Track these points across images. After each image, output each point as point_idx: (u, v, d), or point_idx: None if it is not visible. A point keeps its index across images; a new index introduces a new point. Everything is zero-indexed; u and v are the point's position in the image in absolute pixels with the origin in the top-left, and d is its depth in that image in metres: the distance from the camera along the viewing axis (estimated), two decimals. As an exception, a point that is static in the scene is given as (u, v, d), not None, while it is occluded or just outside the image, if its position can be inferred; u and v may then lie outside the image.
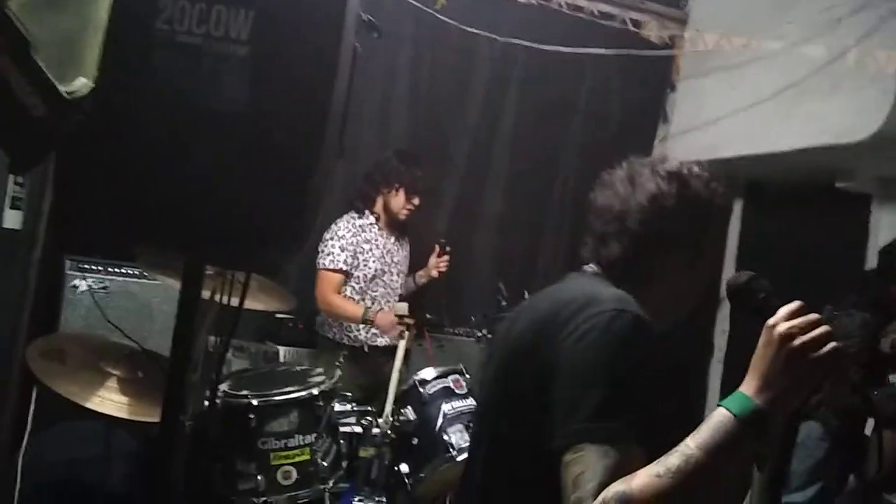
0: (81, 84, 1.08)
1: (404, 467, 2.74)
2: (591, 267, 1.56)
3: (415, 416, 2.81)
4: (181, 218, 1.45)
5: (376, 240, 3.79)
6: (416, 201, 3.82)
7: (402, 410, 2.80)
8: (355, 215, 3.81)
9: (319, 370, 2.96)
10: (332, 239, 3.72)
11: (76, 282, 3.47)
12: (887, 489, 3.28)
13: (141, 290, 3.57)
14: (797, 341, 1.14)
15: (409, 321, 2.93)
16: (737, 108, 4.39)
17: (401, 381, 2.83)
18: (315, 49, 1.45)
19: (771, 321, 1.17)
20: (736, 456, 1.15)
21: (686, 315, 1.58)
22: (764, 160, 4.22)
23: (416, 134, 4.55)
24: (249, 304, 2.82)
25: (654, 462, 1.16)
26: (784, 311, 1.18)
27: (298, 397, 2.72)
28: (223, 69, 1.43)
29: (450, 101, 4.65)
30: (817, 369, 1.14)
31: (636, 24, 4.95)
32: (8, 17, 0.95)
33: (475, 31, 4.45)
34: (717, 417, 1.16)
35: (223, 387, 2.77)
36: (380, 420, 2.70)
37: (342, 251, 3.69)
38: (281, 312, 3.74)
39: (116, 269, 3.56)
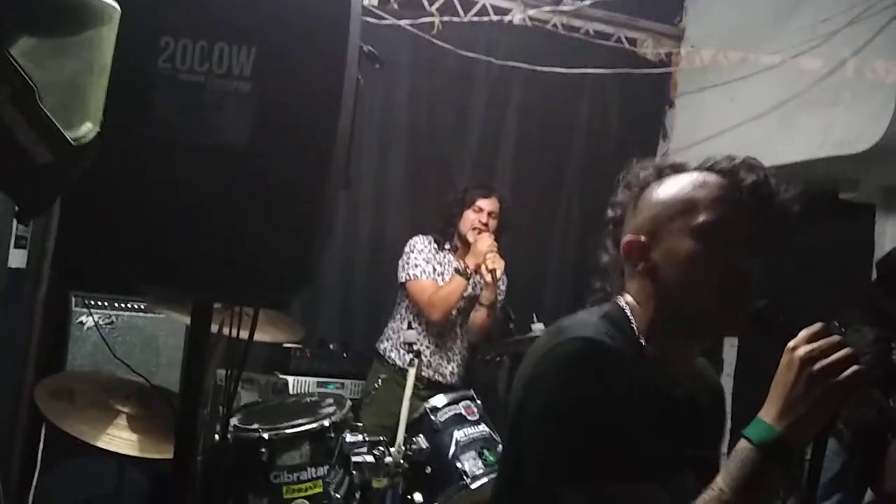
0: (87, 129, 1.07)
1: (418, 497, 2.71)
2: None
3: (427, 445, 2.78)
4: (189, 256, 1.45)
5: (450, 264, 3.71)
6: (483, 218, 3.68)
7: (414, 439, 2.78)
8: (432, 238, 3.77)
9: (330, 400, 2.94)
10: (412, 252, 3.68)
11: (82, 318, 3.47)
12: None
13: (147, 324, 3.57)
14: (818, 365, 1.11)
15: (417, 349, 2.91)
16: (736, 122, 4.39)
17: (412, 410, 2.81)
18: (318, 83, 1.45)
19: (791, 344, 1.15)
20: (767, 484, 1.12)
21: (725, 301, 1.29)
22: (766, 173, 4.21)
23: (417, 161, 4.56)
24: (257, 335, 2.82)
25: None
26: (804, 333, 1.15)
27: (310, 429, 2.70)
28: (226, 106, 1.43)
29: (449, 126, 4.65)
30: (839, 393, 1.11)
31: (632, 42, 4.98)
32: (12, 64, 0.95)
33: (472, 55, 4.48)
34: (742, 451, 1.13)
35: (233, 421, 2.75)
36: (392, 449, 2.67)
37: (427, 263, 3.66)
38: (289, 342, 3.71)
39: (122, 304, 3.55)
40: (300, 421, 2.73)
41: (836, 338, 1.14)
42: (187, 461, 1.61)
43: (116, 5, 1.15)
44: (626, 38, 4.94)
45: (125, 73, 1.35)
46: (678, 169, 1.39)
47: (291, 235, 1.43)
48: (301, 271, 1.48)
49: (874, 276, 3.68)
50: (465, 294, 3.66)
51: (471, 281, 3.63)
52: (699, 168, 1.37)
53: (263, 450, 2.62)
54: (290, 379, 3.80)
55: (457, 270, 3.58)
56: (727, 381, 4.88)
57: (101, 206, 1.44)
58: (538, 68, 4.47)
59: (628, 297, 1.38)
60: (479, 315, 3.72)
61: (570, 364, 1.23)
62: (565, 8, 4.70)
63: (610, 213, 1.44)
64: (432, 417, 2.86)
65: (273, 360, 3.96)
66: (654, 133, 5.04)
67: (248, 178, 1.42)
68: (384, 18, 4.28)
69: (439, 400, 2.93)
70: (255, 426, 2.71)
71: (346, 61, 1.47)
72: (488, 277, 3.57)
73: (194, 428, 1.62)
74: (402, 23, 4.32)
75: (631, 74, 4.72)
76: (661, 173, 1.40)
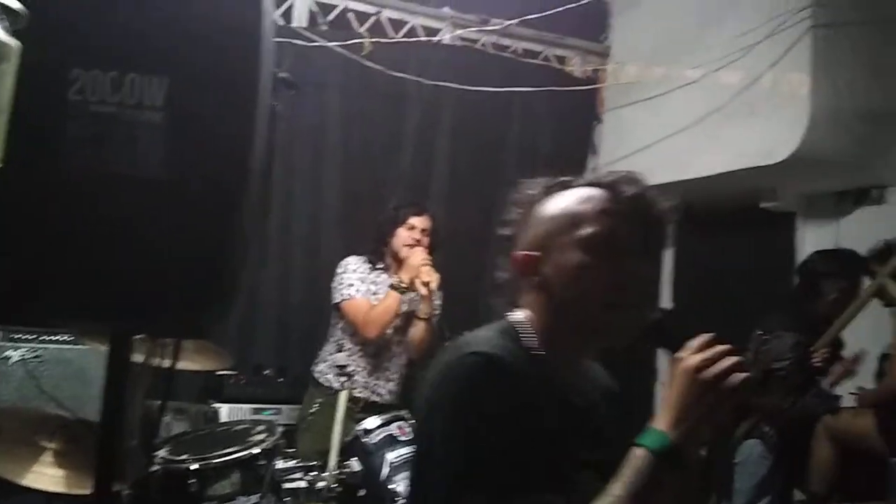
0: (-15, 167, 1.06)
1: (352, 520, 2.71)
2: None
3: (360, 467, 2.77)
4: (104, 289, 1.43)
5: (384, 283, 3.68)
6: (416, 235, 3.67)
7: (346, 462, 2.77)
8: (365, 258, 3.74)
9: (261, 428, 2.91)
10: (345, 273, 3.66)
11: (8, 352, 3.39)
12: (828, 500, 3.35)
13: (76, 356, 3.49)
14: (706, 373, 1.16)
15: (349, 372, 2.90)
16: (661, 136, 4.51)
17: (346, 433, 2.80)
18: (230, 111, 1.45)
19: (680, 354, 1.20)
20: (662, 490, 1.16)
21: (614, 310, 1.31)
22: (691, 185, 4.32)
23: (350, 183, 4.57)
24: (186, 365, 2.78)
25: None
26: (693, 343, 1.20)
27: (239, 458, 2.66)
28: (138, 136, 1.43)
29: (382, 147, 4.67)
30: (727, 400, 1.16)
31: (560, 60, 5.08)
32: None
33: (403, 75, 4.51)
34: (636, 458, 1.17)
35: (162, 452, 2.71)
36: (325, 474, 2.66)
37: (361, 282, 3.64)
38: (219, 370, 3.65)
39: (49, 337, 3.48)
40: (229, 450, 2.69)
41: (723, 346, 1.19)
42: (108, 496, 1.58)
43: (16, 43, 1.15)
44: (554, 57, 5.03)
45: (35, 107, 1.34)
46: (564, 186, 1.44)
47: (207, 264, 1.43)
48: (218, 300, 1.48)
49: (795, 281, 3.80)
50: (401, 311, 3.67)
51: (406, 297, 3.63)
52: (583, 184, 1.42)
53: (192, 480, 2.57)
54: (225, 406, 3.76)
55: (392, 286, 3.58)
56: (661, 390, 4.97)
57: (12, 241, 1.42)
58: (469, 87, 4.52)
59: (523, 310, 1.41)
60: (417, 330, 3.71)
61: (466, 380, 1.25)
62: (494, 28, 4.77)
63: (502, 231, 1.48)
64: (364, 440, 2.84)
65: (207, 388, 3.91)
66: (583, 148, 5.14)
67: (161, 208, 1.42)
68: (313, 41, 4.29)
69: (371, 422, 2.92)
70: (184, 456, 2.66)
71: (259, 89, 1.48)
72: (424, 291, 3.58)
73: (114, 462, 1.59)
74: (332, 45, 4.33)
75: (559, 92, 4.81)
76: (548, 191, 1.44)
